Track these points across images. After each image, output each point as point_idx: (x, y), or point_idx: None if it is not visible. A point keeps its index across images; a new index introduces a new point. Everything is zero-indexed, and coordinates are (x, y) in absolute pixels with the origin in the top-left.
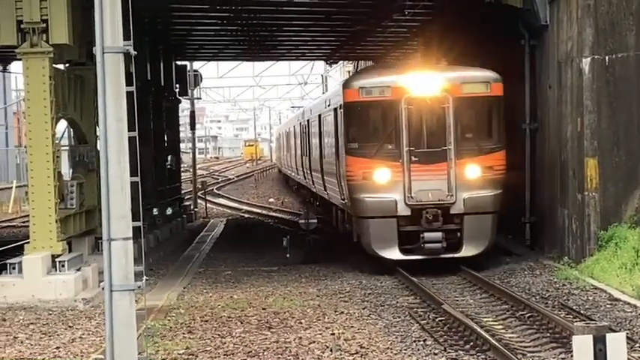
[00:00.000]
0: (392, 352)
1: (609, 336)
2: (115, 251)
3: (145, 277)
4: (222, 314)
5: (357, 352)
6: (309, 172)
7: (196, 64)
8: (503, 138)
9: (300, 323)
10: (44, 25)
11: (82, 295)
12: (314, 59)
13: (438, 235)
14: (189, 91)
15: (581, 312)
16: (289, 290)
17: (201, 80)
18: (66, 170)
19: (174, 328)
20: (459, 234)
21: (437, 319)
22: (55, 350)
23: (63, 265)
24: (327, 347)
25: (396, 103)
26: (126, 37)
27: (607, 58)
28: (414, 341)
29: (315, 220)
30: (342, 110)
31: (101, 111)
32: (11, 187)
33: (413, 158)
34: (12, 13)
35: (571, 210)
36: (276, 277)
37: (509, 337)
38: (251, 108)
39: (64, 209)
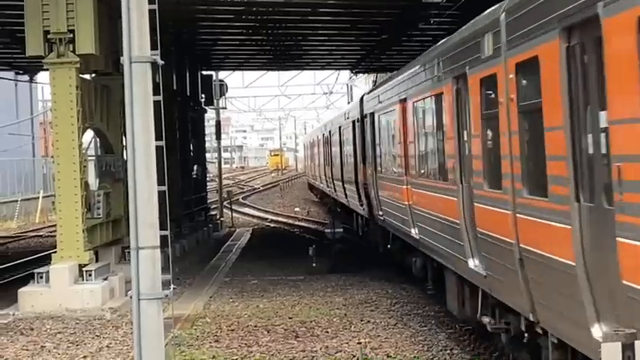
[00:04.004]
0: None
1: (638, 343)
2: (142, 260)
3: (172, 286)
4: (249, 323)
5: None
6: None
7: (222, 74)
8: None
9: (327, 332)
10: (71, 35)
11: (109, 304)
12: (339, 69)
13: None
14: (215, 100)
15: None
16: (315, 299)
17: (227, 90)
18: (93, 180)
19: (200, 337)
20: None
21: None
22: (82, 359)
23: (90, 275)
24: (354, 356)
25: None
26: (152, 47)
27: None
28: (441, 350)
29: (341, 230)
30: None
31: (128, 120)
32: (38, 197)
33: None
34: (39, 23)
35: None
36: (302, 286)
37: None
38: (276, 117)
39: (90, 219)
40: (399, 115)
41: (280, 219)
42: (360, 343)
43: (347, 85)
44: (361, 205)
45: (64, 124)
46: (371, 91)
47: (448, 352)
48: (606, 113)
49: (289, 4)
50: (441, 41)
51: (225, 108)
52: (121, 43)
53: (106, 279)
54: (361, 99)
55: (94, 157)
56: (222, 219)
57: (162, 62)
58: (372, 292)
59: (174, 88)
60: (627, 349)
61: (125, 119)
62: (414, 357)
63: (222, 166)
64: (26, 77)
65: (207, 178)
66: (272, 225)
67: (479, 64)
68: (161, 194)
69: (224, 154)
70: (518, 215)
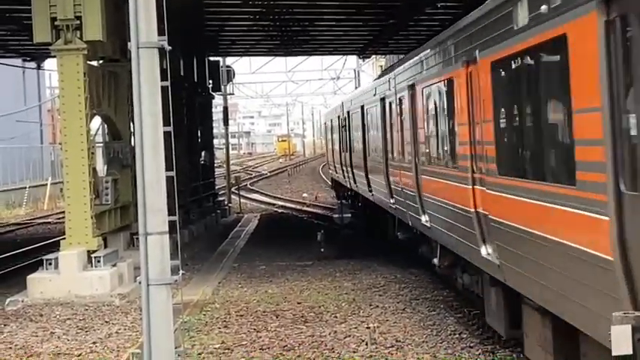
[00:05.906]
0: (427, 346)
1: None
2: (151, 245)
3: (181, 272)
4: (258, 308)
5: (392, 346)
6: None
7: (229, 60)
8: None
9: (336, 317)
10: (78, 21)
11: (118, 290)
12: (346, 54)
13: None
14: (222, 86)
15: None
16: (324, 284)
17: (234, 76)
18: (101, 167)
19: (209, 323)
20: None
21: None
22: (91, 345)
23: (99, 261)
24: (363, 341)
25: None
26: (160, 33)
27: None
28: (450, 334)
29: (349, 215)
30: None
31: (136, 106)
32: (46, 184)
33: None
34: (46, 10)
35: None
36: (311, 271)
37: None
38: (284, 103)
39: (99, 205)
40: None
41: (288, 204)
42: (368, 327)
43: (355, 70)
44: None
45: (71, 111)
46: None
47: (457, 336)
48: None
49: None
50: None
51: (233, 94)
52: (128, 29)
53: (114, 265)
54: None
55: (102, 144)
56: (230, 205)
57: (170, 48)
58: (381, 276)
59: (182, 74)
60: (637, 331)
61: (133, 105)
62: (423, 341)
63: (230, 152)
64: (34, 64)
65: (215, 164)
66: (280, 211)
67: None
68: (169, 180)
69: (231, 140)
70: None
